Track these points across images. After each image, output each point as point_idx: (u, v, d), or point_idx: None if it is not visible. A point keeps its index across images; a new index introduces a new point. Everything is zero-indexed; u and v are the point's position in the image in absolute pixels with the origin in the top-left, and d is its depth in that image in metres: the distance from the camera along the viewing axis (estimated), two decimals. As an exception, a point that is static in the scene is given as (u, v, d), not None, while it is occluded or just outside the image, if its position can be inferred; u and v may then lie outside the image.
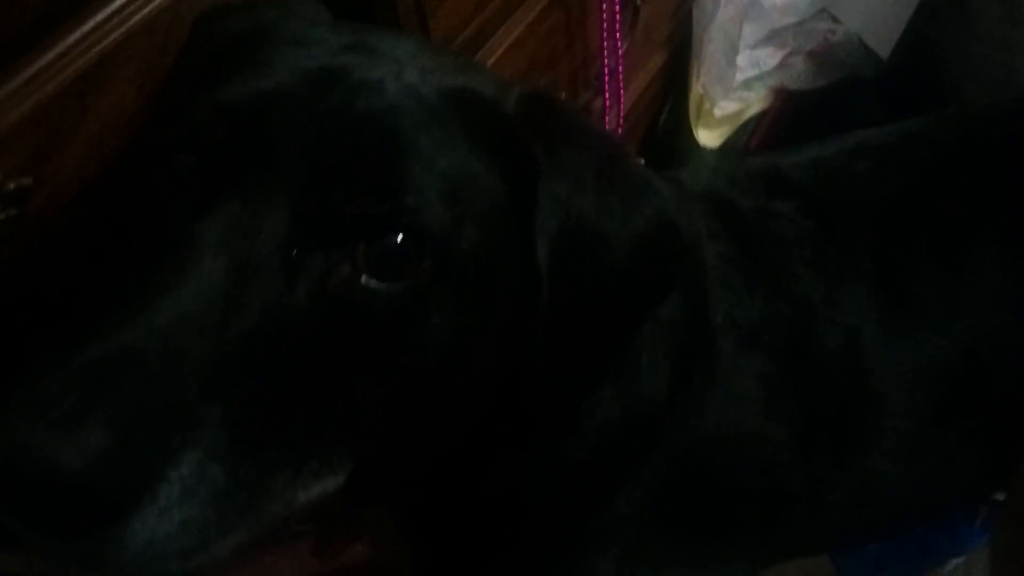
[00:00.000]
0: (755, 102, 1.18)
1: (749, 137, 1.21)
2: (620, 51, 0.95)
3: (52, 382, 0.35)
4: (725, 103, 1.15)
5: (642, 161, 1.10)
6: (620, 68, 0.96)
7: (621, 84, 0.98)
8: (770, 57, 1.16)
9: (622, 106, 1.00)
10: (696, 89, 1.14)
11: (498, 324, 0.48)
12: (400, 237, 0.42)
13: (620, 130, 1.01)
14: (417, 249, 0.43)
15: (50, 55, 0.44)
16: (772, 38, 1.15)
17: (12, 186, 0.44)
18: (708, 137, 1.17)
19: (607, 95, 0.97)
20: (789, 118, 1.22)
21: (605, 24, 0.92)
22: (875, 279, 0.66)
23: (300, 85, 0.44)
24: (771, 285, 0.64)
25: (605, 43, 0.93)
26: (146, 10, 0.48)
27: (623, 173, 0.50)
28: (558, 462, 0.58)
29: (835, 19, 1.16)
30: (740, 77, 1.14)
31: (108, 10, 0.46)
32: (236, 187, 0.42)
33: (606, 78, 0.96)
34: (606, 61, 0.95)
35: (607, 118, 0.99)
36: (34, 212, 0.45)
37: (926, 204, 0.69)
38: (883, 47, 1.11)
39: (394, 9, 0.65)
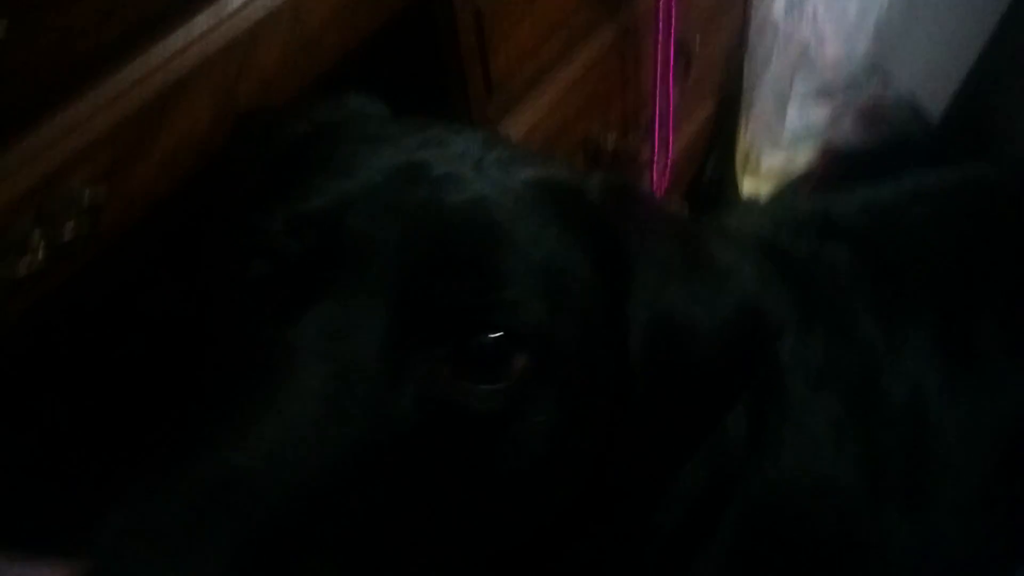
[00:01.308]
0: (802, 157, 1.18)
1: (795, 192, 1.21)
2: (671, 98, 0.96)
3: (157, 504, 0.33)
4: (772, 156, 1.15)
5: (686, 209, 1.10)
6: (670, 115, 0.97)
7: (671, 131, 0.98)
8: (820, 114, 1.16)
9: (670, 152, 1.00)
10: (744, 141, 1.14)
11: (593, 416, 0.46)
12: (500, 332, 0.41)
13: (667, 176, 1.02)
14: (517, 344, 0.41)
15: (134, 73, 0.46)
16: (822, 94, 1.16)
17: (88, 198, 0.45)
18: (754, 189, 1.17)
19: (656, 141, 0.98)
20: (837, 176, 1.22)
21: (658, 71, 0.92)
22: (936, 329, 0.65)
23: (382, 183, 0.43)
24: (831, 328, 0.63)
25: (657, 89, 0.94)
26: (224, 37, 0.49)
27: (708, 259, 0.50)
28: (646, 535, 0.56)
29: (886, 77, 1.16)
30: (788, 132, 1.15)
31: (189, 35, 0.48)
32: (326, 291, 0.40)
33: (656, 124, 0.96)
34: (657, 107, 0.95)
35: (655, 164, 0.99)
36: (107, 223, 0.46)
37: (987, 253, 0.68)
38: (934, 108, 1.11)
39: (456, 48, 0.67)
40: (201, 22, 0.48)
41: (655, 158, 0.99)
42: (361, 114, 0.52)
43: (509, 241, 0.43)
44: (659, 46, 0.91)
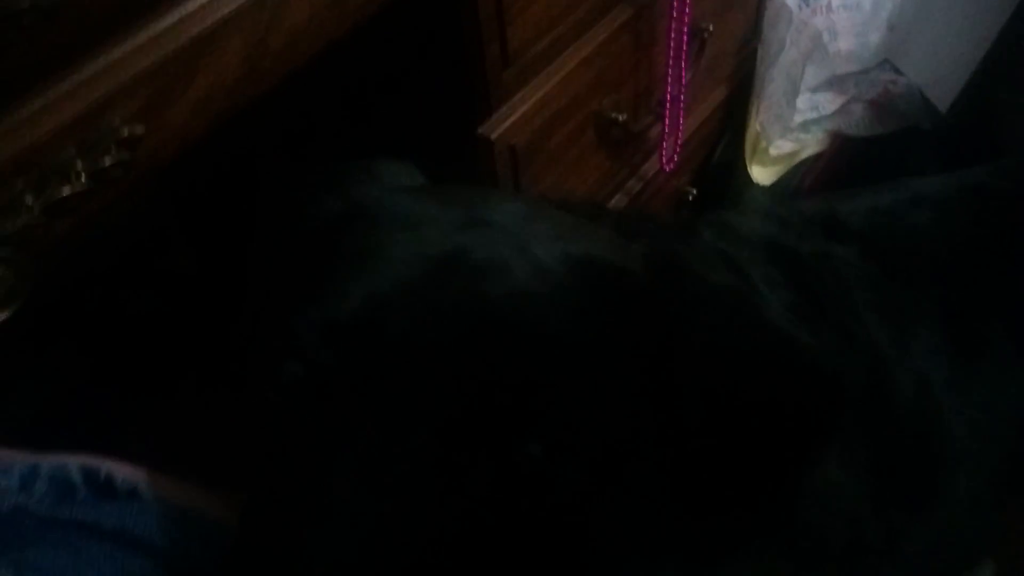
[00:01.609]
0: (811, 144, 1.20)
1: (802, 178, 1.24)
2: (684, 80, 0.99)
3: None
4: (781, 142, 1.18)
5: (695, 192, 1.13)
6: (682, 97, 1.00)
7: (681, 113, 1.01)
8: (830, 102, 1.19)
9: (680, 135, 1.03)
10: (754, 126, 1.17)
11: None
12: (542, 446, 0.39)
13: (676, 158, 1.05)
14: (561, 454, 0.40)
15: (172, 18, 0.49)
16: (833, 84, 1.18)
17: (126, 132, 0.49)
18: (762, 174, 1.19)
19: (667, 122, 1.01)
20: (844, 163, 1.24)
21: (672, 52, 0.96)
22: (943, 327, 0.66)
23: (417, 279, 0.41)
24: (838, 331, 0.64)
25: (670, 71, 0.97)
26: (257, -11, 0.53)
27: (757, 328, 0.48)
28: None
29: (897, 70, 1.19)
30: (798, 119, 1.17)
31: (224, -14, 0.52)
32: (358, 412, 0.39)
33: (667, 105, 0.99)
34: (669, 88, 0.98)
35: (664, 145, 1.02)
36: (143, 159, 0.50)
37: (991, 255, 0.69)
38: (943, 100, 1.13)
39: (476, 18, 0.70)
40: (236, -24, 0.52)
41: (664, 139, 1.02)
42: (393, 190, 0.49)
43: (553, 336, 0.41)
44: (673, 29, 0.94)
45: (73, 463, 0.43)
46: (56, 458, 0.43)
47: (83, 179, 0.47)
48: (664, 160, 1.04)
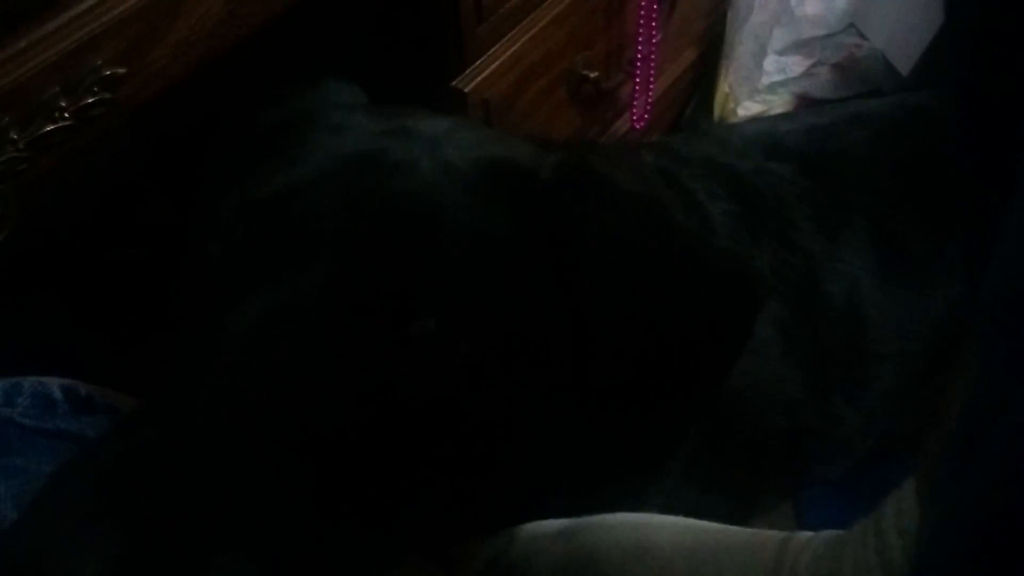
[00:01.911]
0: (778, 105, 1.23)
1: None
2: (654, 40, 1.01)
3: (72, 483, 0.33)
4: (749, 103, 1.20)
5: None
6: (652, 57, 1.02)
7: (652, 72, 1.03)
8: (797, 65, 1.21)
9: (650, 93, 1.05)
10: (723, 87, 1.19)
11: (549, 392, 0.47)
12: (435, 320, 0.41)
13: (647, 117, 1.07)
14: (454, 328, 0.41)
15: (153, -38, 0.51)
16: (800, 47, 1.20)
17: (108, 72, 0.50)
18: (730, 135, 1.22)
19: (637, 81, 1.03)
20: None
21: (642, 12, 0.97)
22: (873, 235, 0.72)
23: (334, 172, 0.44)
24: (775, 238, 0.69)
25: (640, 31, 0.99)
26: (237, -65, 0.54)
27: (662, 230, 0.50)
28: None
29: (861, 35, 1.21)
30: (766, 80, 1.20)
31: (205, -70, 0.53)
32: (266, 276, 0.41)
33: (638, 64, 1.01)
34: (639, 48, 1.00)
35: (635, 103, 1.04)
36: (123, 99, 0.51)
37: (921, 170, 0.74)
38: (903, 64, 1.16)
39: (450, -30, 0.72)
40: (216, -79, 0.53)
41: (635, 97, 1.04)
42: (333, 102, 0.53)
43: (450, 227, 0.43)
44: (643, -13, 0.95)
45: (54, 381, 0.45)
46: (37, 377, 0.45)
47: (66, 116, 0.49)
48: (635, 118, 1.07)
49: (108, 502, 0.32)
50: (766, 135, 0.77)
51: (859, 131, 0.77)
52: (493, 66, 0.81)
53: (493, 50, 0.81)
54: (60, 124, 0.48)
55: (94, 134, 0.51)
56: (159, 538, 0.32)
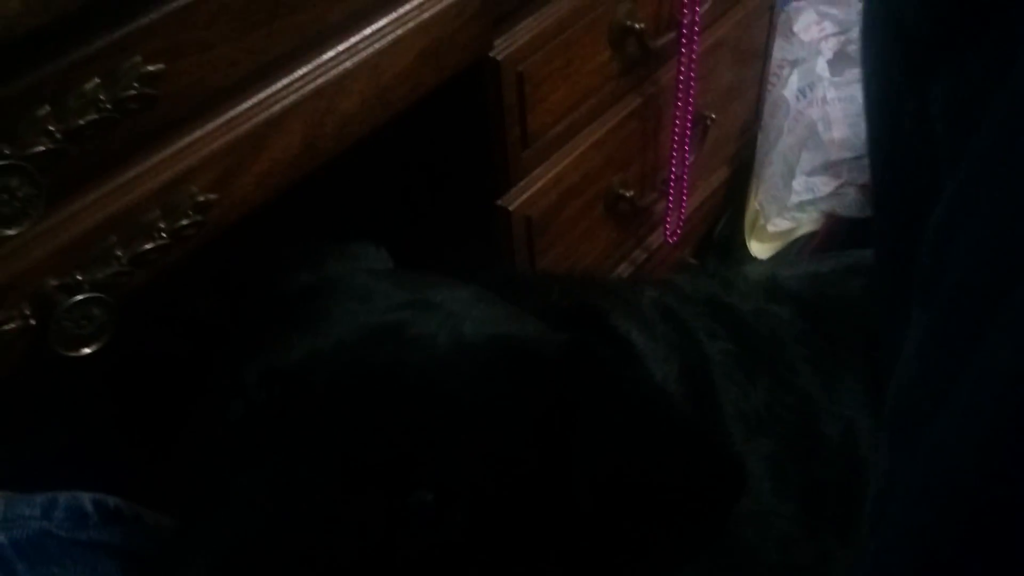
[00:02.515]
0: (807, 223, 1.29)
1: (798, 254, 1.32)
2: (687, 162, 1.08)
3: None
4: (779, 220, 1.26)
5: (696, 263, 1.22)
6: (685, 177, 1.09)
7: (685, 192, 1.10)
8: (824, 184, 1.28)
9: (683, 211, 1.12)
10: (753, 205, 1.26)
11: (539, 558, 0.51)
12: (433, 493, 0.44)
13: (679, 232, 1.13)
14: (451, 500, 0.45)
15: (247, 104, 0.59)
16: (828, 168, 1.27)
17: (201, 199, 0.57)
18: (760, 250, 1.28)
19: (671, 200, 1.10)
20: (837, 241, 1.32)
21: (676, 137, 1.05)
22: (868, 379, 0.75)
23: (355, 343, 0.48)
24: (772, 378, 0.72)
25: (674, 154, 1.06)
26: (317, 84, 0.62)
27: (664, 420, 0.54)
28: None
29: (887, 159, 1.28)
30: (795, 199, 1.26)
31: (291, 79, 0.60)
32: (279, 444, 0.45)
33: (671, 184, 1.08)
34: (673, 169, 1.07)
35: (668, 219, 1.11)
36: (211, 221, 0.59)
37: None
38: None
39: (500, 104, 0.79)
40: (301, 70, 0.61)
41: (669, 214, 1.11)
42: (359, 268, 0.57)
43: (456, 404, 0.47)
44: (677, 117, 1.03)
45: (85, 496, 0.51)
46: (70, 492, 0.51)
47: (163, 236, 0.56)
48: (668, 233, 1.13)
49: None
50: (768, 279, 0.82)
51: (857, 279, 0.82)
52: (536, 186, 0.88)
53: (536, 172, 0.89)
54: (157, 243, 0.55)
55: (183, 251, 0.58)
56: None
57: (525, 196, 0.88)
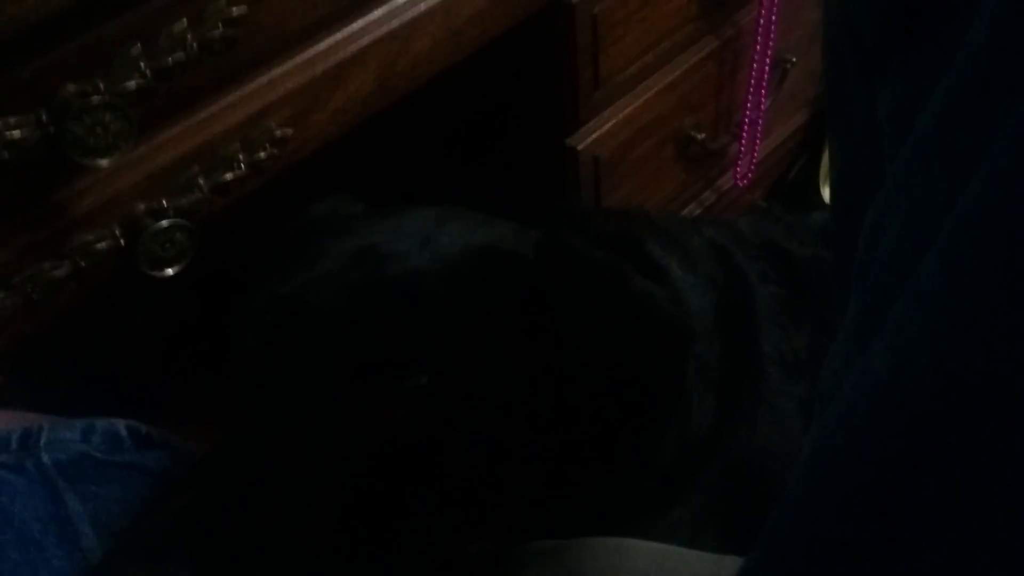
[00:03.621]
0: (884, 173, 1.27)
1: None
2: (763, 106, 1.07)
3: (150, 525, 0.44)
4: (855, 168, 1.24)
5: (766, 206, 1.21)
6: (760, 122, 1.08)
7: (759, 136, 1.09)
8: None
9: (755, 155, 1.11)
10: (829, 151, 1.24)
11: (530, 431, 0.56)
12: (426, 376, 0.51)
13: (751, 176, 1.13)
14: (443, 382, 0.51)
15: (324, 44, 0.61)
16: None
17: (279, 133, 0.61)
18: (834, 196, 1.26)
19: (743, 143, 1.09)
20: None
21: (753, 81, 1.04)
22: None
23: (338, 267, 0.54)
24: (816, 324, 0.73)
25: (750, 97, 1.05)
26: (390, 25, 0.64)
27: (626, 295, 0.59)
28: (627, 493, 0.66)
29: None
30: (874, 148, 1.24)
31: (366, 21, 0.63)
32: (288, 357, 0.52)
33: (745, 127, 1.08)
34: (748, 112, 1.07)
35: (739, 163, 1.11)
36: (287, 154, 0.62)
37: None
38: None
39: (573, 45, 0.80)
40: (376, 12, 0.63)
41: (740, 157, 1.11)
42: (339, 212, 0.65)
43: (437, 303, 0.53)
44: (756, 60, 1.02)
45: (120, 422, 0.56)
46: (107, 419, 0.56)
47: (242, 167, 0.60)
48: (738, 176, 1.13)
49: (180, 539, 0.43)
50: (830, 226, 0.82)
51: None
52: (605, 127, 0.89)
53: (606, 112, 0.90)
54: (236, 174, 0.59)
55: (260, 181, 0.62)
56: (221, 564, 0.43)
57: (594, 136, 0.89)
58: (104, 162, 0.49)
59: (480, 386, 0.53)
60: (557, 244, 0.59)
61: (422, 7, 0.65)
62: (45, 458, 0.50)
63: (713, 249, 0.74)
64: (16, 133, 0.47)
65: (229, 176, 0.59)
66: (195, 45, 0.53)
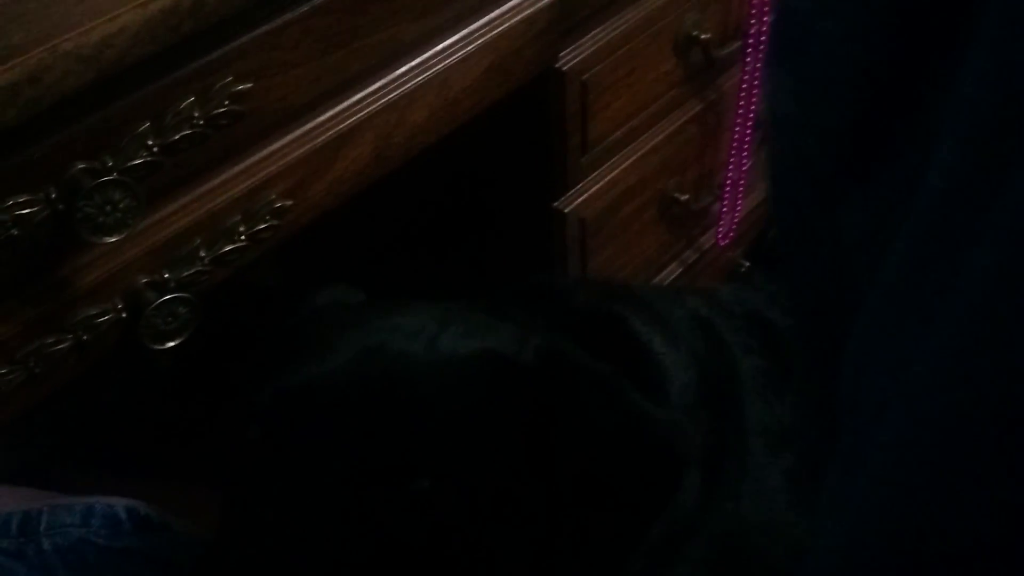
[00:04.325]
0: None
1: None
2: (744, 167, 1.10)
3: None
4: (832, 226, 1.27)
5: (747, 265, 1.23)
6: (742, 181, 1.11)
7: (740, 195, 1.12)
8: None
9: (737, 214, 1.14)
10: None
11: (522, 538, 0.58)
12: (429, 480, 0.52)
13: (732, 234, 1.15)
14: (445, 487, 0.53)
15: (323, 117, 0.63)
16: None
17: (279, 204, 0.62)
18: (811, 253, 1.29)
19: (725, 203, 1.11)
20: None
21: (735, 142, 1.06)
22: None
23: (345, 364, 0.55)
24: (803, 395, 0.73)
25: (732, 158, 1.08)
26: (388, 98, 0.66)
27: (624, 415, 0.61)
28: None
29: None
30: (850, 206, 1.27)
31: (364, 94, 0.64)
32: (295, 457, 0.53)
33: (727, 188, 1.10)
34: (730, 173, 1.09)
35: (721, 223, 1.13)
36: (285, 224, 0.63)
37: None
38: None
39: (563, 113, 0.82)
40: (375, 85, 0.65)
41: (722, 217, 1.13)
42: (341, 302, 0.66)
43: (441, 408, 0.55)
44: (738, 123, 1.05)
45: (119, 503, 0.56)
46: (105, 499, 0.56)
47: (243, 238, 0.61)
48: (720, 236, 1.15)
49: None
50: None
51: None
52: (592, 190, 0.91)
53: (592, 176, 0.91)
54: (237, 245, 0.60)
55: (257, 252, 0.63)
56: None
57: (581, 199, 0.90)
58: (112, 239, 0.49)
59: (479, 489, 0.55)
60: (557, 353, 0.61)
61: (419, 79, 0.67)
62: (46, 544, 0.50)
63: (695, 321, 0.76)
64: (26, 211, 0.48)
65: (229, 247, 0.60)
66: (201, 121, 0.54)
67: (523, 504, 0.57)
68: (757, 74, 1.02)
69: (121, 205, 0.49)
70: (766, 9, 0.98)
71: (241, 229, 0.60)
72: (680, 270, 1.13)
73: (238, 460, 0.56)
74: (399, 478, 0.52)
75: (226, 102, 0.55)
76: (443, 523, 0.53)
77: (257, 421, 0.55)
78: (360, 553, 0.52)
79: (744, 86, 1.02)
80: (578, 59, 0.81)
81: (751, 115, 1.05)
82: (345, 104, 0.64)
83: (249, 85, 0.56)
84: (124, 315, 0.55)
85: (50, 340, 0.52)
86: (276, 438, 0.54)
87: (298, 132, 0.62)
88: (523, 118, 0.83)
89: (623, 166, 0.94)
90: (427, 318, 0.60)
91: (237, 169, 0.60)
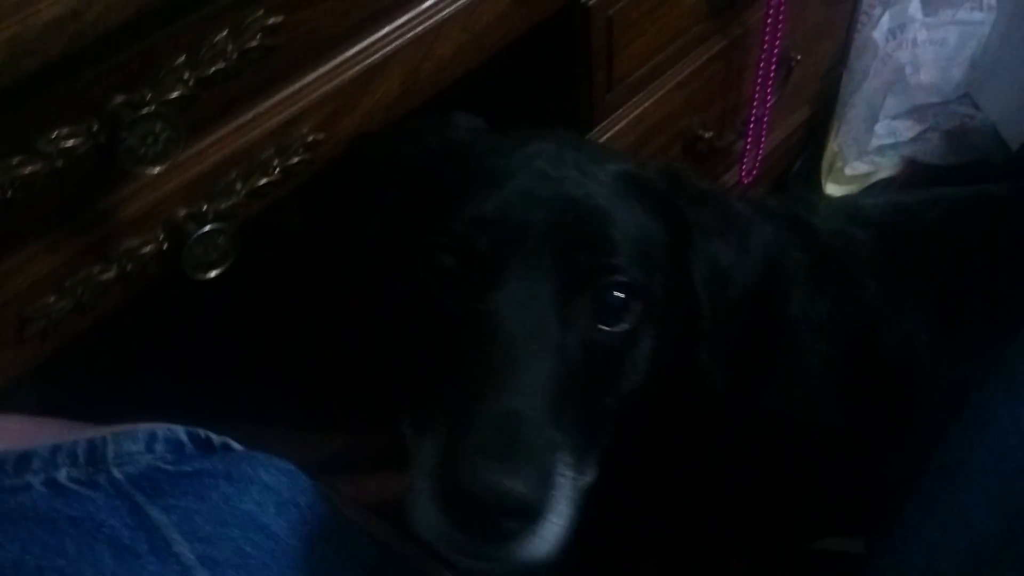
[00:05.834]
0: (886, 167, 1.29)
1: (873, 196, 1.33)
2: (768, 103, 1.09)
3: (477, 435, 0.51)
4: (857, 164, 1.27)
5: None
6: (765, 118, 1.10)
7: (764, 132, 1.11)
8: (908, 130, 1.27)
9: (761, 151, 1.13)
10: (832, 146, 1.26)
11: (675, 337, 0.67)
12: (618, 291, 0.60)
13: (756, 172, 1.15)
14: (633, 295, 0.61)
15: (352, 50, 0.63)
16: (913, 113, 1.26)
17: (311, 138, 0.63)
18: (836, 191, 1.28)
19: (749, 140, 1.11)
20: (915, 187, 1.32)
21: (759, 79, 1.06)
22: (933, 300, 0.80)
23: (526, 188, 0.61)
24: (840, 290, 0.79)
25: (756, 95, 1.07)
26: (415, 31, 0.66)
27: (738, 220, 0.71)
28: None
29: (975, 105, 1.26)
30: (875, 143, 1.26)
31: (392, 27, 0.65)
32: (506, 273, 0.58)
33: (751, 125, 1.10)
34: (754, 110, 1.09)
35: (745, 159, 1.13)
36: (318, 158, 0.64)
37: (985, 250, 0.83)
38: (1014, 139, 1.20)
39: (588, 48, 0.82)
40: (403, 18, 0.65)
41: (746, 154, 1.13)
42: (472, 130, 0.69)
43: (615, 222, 0.61)
44: (762, 59, 1.04)
45: (179, 429, 0.56)
46: (167, 425, 0.56)
47: (276, 172, 0.62)
48: (744, 173, 1.15)
49: (510, 445, 0.52)
50: (851, 205, 0.87)
51: (936, 210, 0.86)
52: (617, 127, 0.91)
53: (618, 112, 0.92)
54: (271, 178, 0.61)
55: (292, 185, 0.64)
56: (539, 463, 0.53)
57: (606, 137, 0.91)
58: (155, 170, 0.50)
59: (654, 296, 0.63)
60: (676, 171, 0.70)
61: (446, 12, 0.67)
62: (117, 473, 0.51)
63: (740, 217, 0.79)
64: (70, 142, 0.49)
65: (264, 180, 0.61)
66: (235, 55, 0.55)
67: (677, 309, 0.66)
68: (782, 8, 1.01)
69: (162, 136, 0.50)
70: (791, -60, 0.96)
71: (275, 162, 0.61)
72: (704, 208, 1.13)
73: (422, 290, 0.59)
74: (595, 274, 0.59)
75: (258, 35, 0.56)
76: (634, 328, 0.61)
77: (447, 249, 0.59)
78: (578, 364, 0.58)
79: (769, 21, 1.01)
80: (604, -8, 0.80)
81: (775, 51, 1.04)
82: (373, 38, 0.64)
83: (280, 18, 0.56)
84: (165, 246, 0.57)
85: (96, 269, 0.54)
86: (478, 261, 0.58)
87: (328, 66, 0.62)
88: (549, 55, 0.83)
89: (648, 103, 0.94)
90: (550, 144, 0.65)
91: (270, 103, 0.60)
